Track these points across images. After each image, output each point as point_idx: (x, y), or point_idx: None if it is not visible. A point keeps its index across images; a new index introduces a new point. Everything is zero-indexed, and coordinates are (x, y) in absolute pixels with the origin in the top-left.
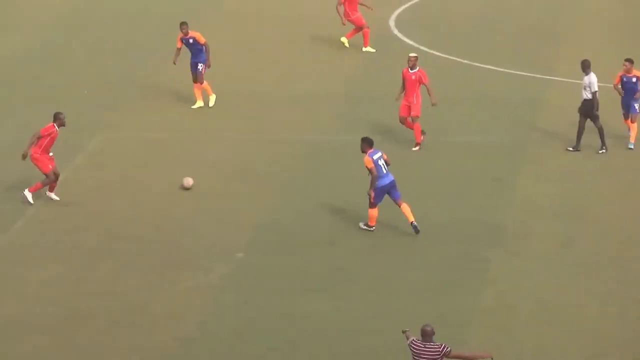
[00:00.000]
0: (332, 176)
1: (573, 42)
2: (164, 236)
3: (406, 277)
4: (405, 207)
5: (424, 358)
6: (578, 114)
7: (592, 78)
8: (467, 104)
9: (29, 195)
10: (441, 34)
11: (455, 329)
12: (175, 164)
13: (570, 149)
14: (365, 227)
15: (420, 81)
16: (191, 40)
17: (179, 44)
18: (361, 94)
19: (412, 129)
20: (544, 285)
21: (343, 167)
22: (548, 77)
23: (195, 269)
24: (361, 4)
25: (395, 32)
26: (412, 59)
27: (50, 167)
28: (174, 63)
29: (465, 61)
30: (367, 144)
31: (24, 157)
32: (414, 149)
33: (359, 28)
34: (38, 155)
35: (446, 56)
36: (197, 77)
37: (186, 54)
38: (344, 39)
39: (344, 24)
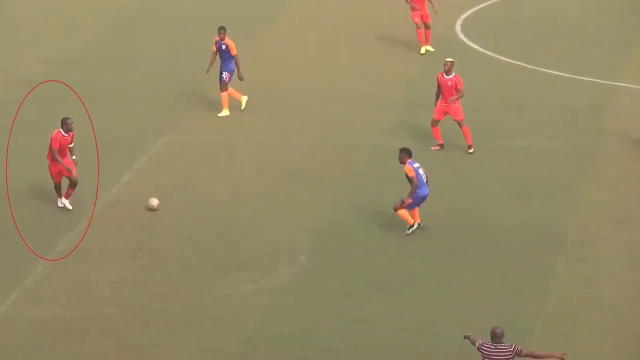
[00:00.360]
0: (393, 179)
1: None
2: (226, 239)
3: (469, 282)
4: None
5: None
6: None
7: None
8: (532, 109)
9: (66, 202)
10: (507, 38)
11: (519, 335)
12: (238, 166)
13: None
14: (410, 231)
15: (455, 87)
16: (224, 47)
17: (214, 47)
18: (422, 98)
19: (435, 134)
20: (608, 292)
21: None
22: (615, 83)
23: (257, 272)
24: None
25: (461, 36)
26: (448, 63)
27: (62, 175)
28: (207, 72)
29: (531, 66)
30: (406, 154)
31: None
32: (469, 151)
33: (427, 25)
34: (49, 162)
35: (511, 61)
36: (221, 85)
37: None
38: (426, 48)
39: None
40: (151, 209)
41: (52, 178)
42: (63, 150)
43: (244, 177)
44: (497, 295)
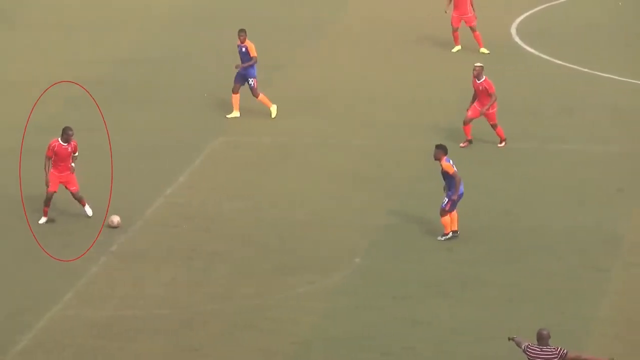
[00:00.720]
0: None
1: None
2: (282, 240)
3: (524, 285)
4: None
5: None
6: None
7: None
8: (588, 113)
9: (87, 209)
10: (562, 42)
11: (573, 338)
12: (293, 168)
13: None
14: (443, 238)
15: (487, 91)
16: (244, 49)
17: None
18: None
19: (466, 132)
20: None
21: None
22: None
23: (312, 274)
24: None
25: (517, 39)
26: (478, 68)
27: (60, 182)
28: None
29: (586, 70)
30: (442, 150)
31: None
32: (500, 144)
33: (473, 29)
34: (50, 170)
35: (567, 64)
36: (252, 92)
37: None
38: (482, 50)
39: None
40: (111, 226)
41: (47, 185)
42: (61, 160)
43: (299, 179)
44: (551, 299)
